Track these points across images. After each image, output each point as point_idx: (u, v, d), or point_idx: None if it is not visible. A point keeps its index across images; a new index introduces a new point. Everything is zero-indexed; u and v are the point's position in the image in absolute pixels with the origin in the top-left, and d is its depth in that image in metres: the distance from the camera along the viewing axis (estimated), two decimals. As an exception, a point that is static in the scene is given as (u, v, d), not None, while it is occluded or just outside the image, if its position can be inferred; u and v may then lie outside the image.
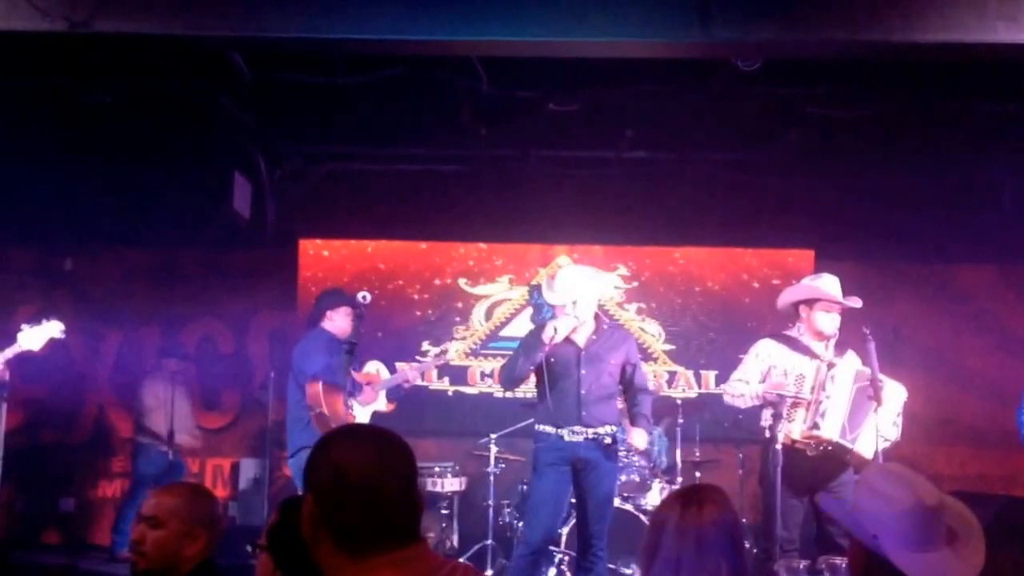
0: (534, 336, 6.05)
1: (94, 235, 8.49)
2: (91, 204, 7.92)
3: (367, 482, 2.04)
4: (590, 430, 5.92)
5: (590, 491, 5.98)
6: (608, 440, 5.96)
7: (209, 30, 5.34)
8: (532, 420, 6.87)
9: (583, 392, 5.93)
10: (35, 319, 6.57)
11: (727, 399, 6.15)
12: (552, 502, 5.96)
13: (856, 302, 5.94)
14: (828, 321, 5.95)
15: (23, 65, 6.38)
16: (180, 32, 5.34)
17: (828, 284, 6.01)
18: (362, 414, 6.82)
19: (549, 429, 5.96)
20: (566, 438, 5.91)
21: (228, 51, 6.20)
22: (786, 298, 6.18)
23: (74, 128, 7.23)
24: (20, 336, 6.44)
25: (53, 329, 6.52)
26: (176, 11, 5.29)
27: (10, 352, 6.38)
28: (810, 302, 6.01)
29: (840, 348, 6.01)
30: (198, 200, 7.55)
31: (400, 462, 2.11)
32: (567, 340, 5.95)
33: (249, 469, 8.96)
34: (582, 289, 5.96)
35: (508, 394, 7.90)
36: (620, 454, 6.39)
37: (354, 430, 2.34)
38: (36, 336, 6.46)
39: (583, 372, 5.96)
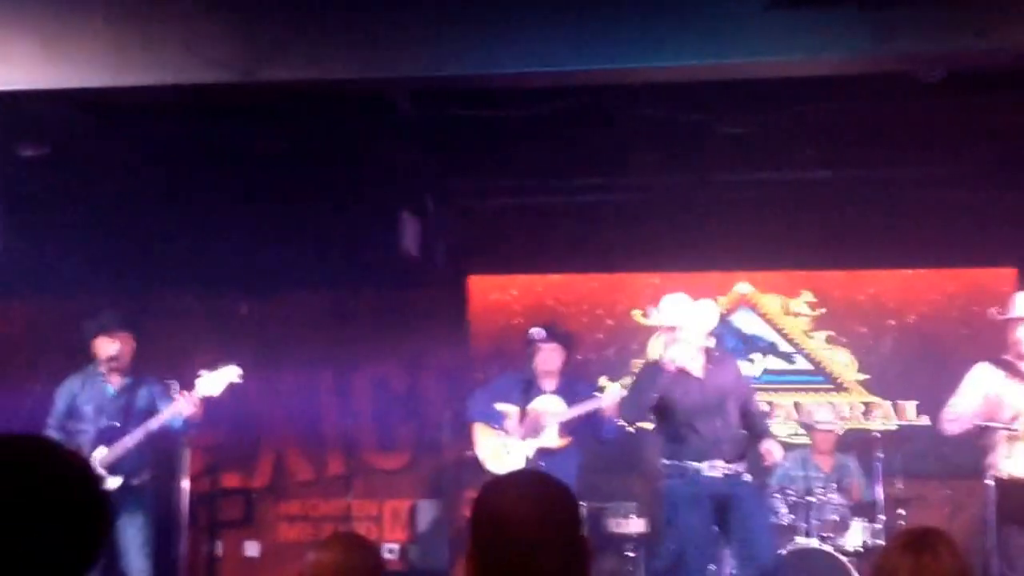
0: (650, 370, 5.91)
1: (268, 280, 8.65)
2: (264, 249, 8.08)
3: (525, 532, 2.00)
4: (725, 464, 5.78)
5: (736, 530, 5.84)
6: (746, 477, 5.84)
7: (378, 72, 5.38)
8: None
9: (715, 424, 5.78)
10: (213, 365, 6.70)
11: (943, 425, 5.86)
12: (701, 539, 5.79)
13: None
14: None
15: (197, 116, 6.57)
16: (349, 76, 5.40)
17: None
18: (522, 450, 6.70)
19: (683, 463, 5.77)
20: (704, 472, 5.73)
21: (395, 92, 6.23)
22: (1003, 313, 5.84)
23: (246, 176, 7.40)
24: (199, 382, 6.61)
25: (231, 374, 6.66)
26: (344, 55, 5.35)
27: (196, 395, 6.54)
28: (1015, 322, 5.64)
29: None
30: (367, 241, 7.64)
31: (560, 509, 2.07)
32: (684, 372, 5.78)
33: (427, 511, 8.91)
34: (691, 314, 5.83)
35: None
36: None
37: (513, 477, 2.31)
38: (214, 381, 6.61)
39: (705, 404, 5.81)
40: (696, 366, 5.96)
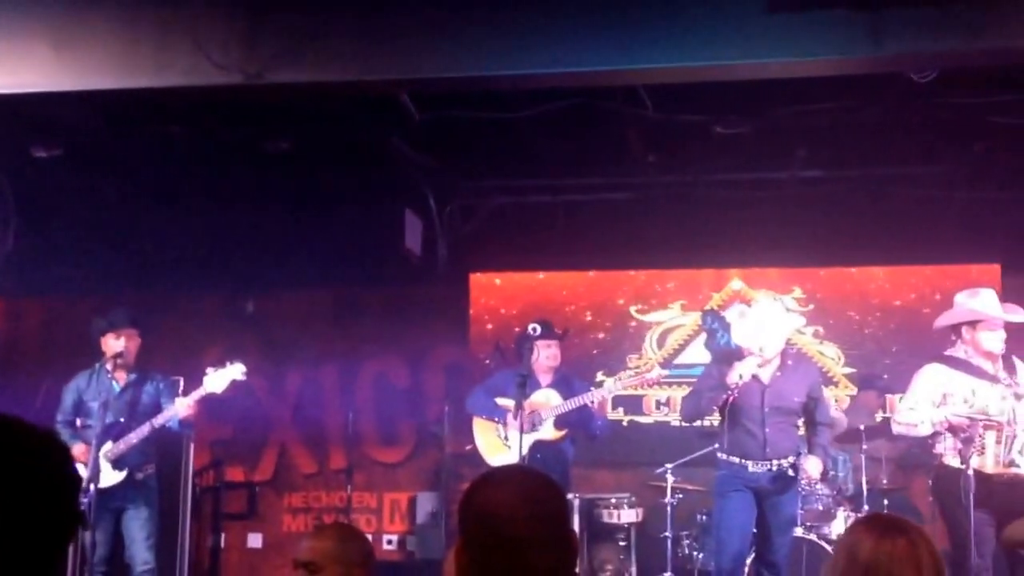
0: (719, 376, 5.99)
1: (274, 277, 8.75)
2: (271, 247, 8.21)
3: (513, 527, 2.03)
4: (772, 462, 5.95)
5: (771, 517, 6.01)
6: (791, 472, 5.96)
7: (380, 74, 5.47)
8: (709, 449, 6.83)
9: (767, 430, 5.93)
10: (219, 362, 6.83)
11: (897, 428, 5.95)
12: (739, 525, 5.95)
13: (1018, 316, 5.67)
14: (995, 339, 5.74)
15: (204, 117, 6.67)
16: (353, 78, 5.48)
17: (987, 302, 5.75)
18: (519, 444, 6.84)
19: (733, 459, 5.94)
20: (750, 469, 5.89)
21: (398, 93, 6.33)
22: (945, 321, 5.94)
23: (253, 176, 7.50)
24: (205, 379, 6.72)
25: (235, 371, 6.77)
26: (348, 58, 5.44)
27: (196, 395, 6.67)
28: (972, 323, 5.75)
29: (1007, 363, 5.75)
30: (372, 240, 7.74)
31: (548, 504, 2.10)
32: (752, 377, 5.91)
33: (426, 503, 9.05)
34: (770, 331, 5.91)
35: (684, 423, 7.81)
36: (802, 483, 6.29)
37: (501, 473, 2.33)
38: (220, 379, 6.72)
39: (766, 409, 5.93)
40: (766, 373, 6.06)
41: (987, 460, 5.55)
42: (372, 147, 7.20)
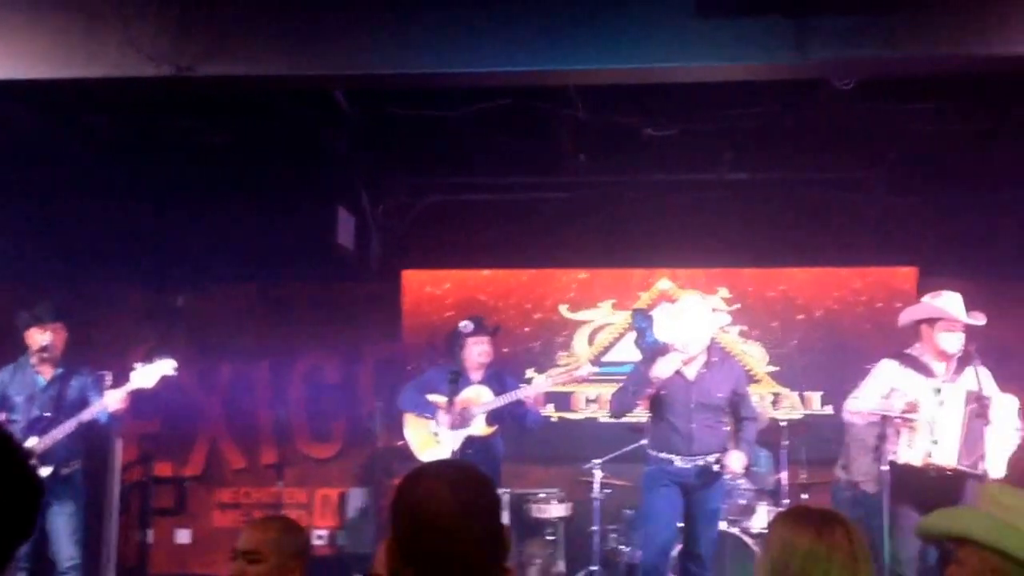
0: (643, 371, 6.12)
1: (205, 272, 8.72)
2: (202, 241, 8.16)
3: (445, 521, 2.05)
4: (699, 458, 6.06)
5: (697, 511, 6.16)
6: (716, 467, 6.08)
7: (313, 69, 5.50)
8: (636, 445, 6.95)
9: (693, 426, 6.05)
10: (148, 357, 6.79)
11: (846, 416, 6.10)
12: (665, 519, 6.07)
13: (980, 319, 5.83)
14: (951, 340, 5.85)
15: (134, 108, 6.63)
16: (285, 73, 5.50)
17: (950, 302, 5.90)
18: (451, 439, 6.90)
19: (661, 455, 6.06)
20: (677, 464, 6.01)
21: (332, 89, 6.34)
22: (907, 317, 6.09)
23: (183, 168, 7.46)
24: (133, 375, 6.68)
25: (165, 367, 6.73)
26: (280, 52, 5.45)
27: (125, 390, 6.62)
28: (931, 321, 5.91)
29: (960, 366, 5.92)
30: (304, 235, 7.73)
31: (479, 499, 2.12)
32: (678, 373, 6.05)
33: (357, 498, 9.06)
34: (694, 327, 6.03)
35: (613, 419, 7.92)
36: (726, 477, 6.42)
37: (433, 468, 2.31)
38: (149, 374, 6.68)
39: (692, 405, 6.07)
40: (692, 370, 6.19)
41: (912, 453, 5.71)
42: (306, 142, 7.21)
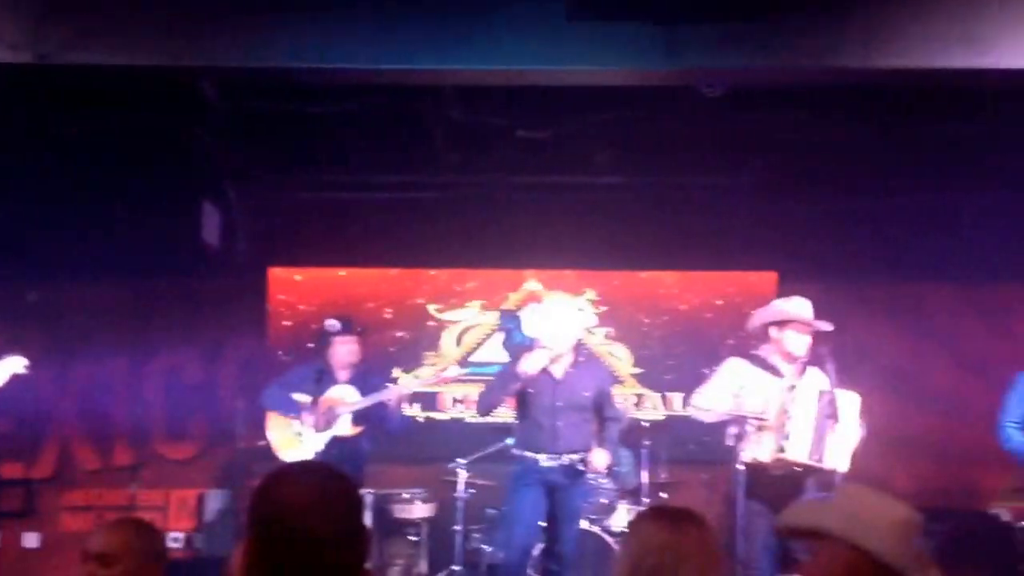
0: (510, 367, 6.18)
1: (61, 267, 8.41)
2: (58, 235, 7.88)
3: (305, 522, 2.02)
4: (564, 456, 6.10)
5: (560, 509, 6.23)
6: (581, 466, 6.12)
7: (180, 61, 5.38)
8: (502, 445, 6.99)
9: (559, 423, 6.11)
10: (-3, 353, 6.53)
11: (692, 411, 6.23)
12: (528, 519, 6.12)
13: (827, 325, 6.03)
14: (799, 343, 6.04)
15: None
16: (152, 63, 5.37)
17: (799, 306, 6.10)
18: (315, 440, 6.84)
19: (527, 454, 6.10)
20: (543, 463, 6.05)
21: (199, 81, 6.21)
22: (757, 319, 6.26)
23: (42, 159, 7.20)
24: (-20, 373, 6.41)
25: (15, 365, 6.48)
26: (147, 43, 5.32)
27: None
28: (781, 323, 6.09)
29: (804, 368, 6.11)
30: (167, 230, 7.54)
31: (340, 501, 2.10)
32: (544, 371, 6.13)
33: (215, 500, 8.85)
34: (561, 325, 6.10)
35: (479, 419, 7.94)
36: (589, 477, 6.51)
37: (295, 469, 2.28)
38: (-3, 372, 6.42)
39: (558, 403, 6.13)
40: (559, 368, 6.23)
41: (762, 450, 5.87)
42: (170, 135, 7.03)
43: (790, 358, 6.06)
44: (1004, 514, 7.93)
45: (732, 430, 5.96)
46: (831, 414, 5.79)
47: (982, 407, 6.93)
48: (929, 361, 8.90)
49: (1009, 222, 8.21)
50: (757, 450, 5.87)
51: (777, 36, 5.27)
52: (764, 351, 6.15)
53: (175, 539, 8.84)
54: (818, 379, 6.00)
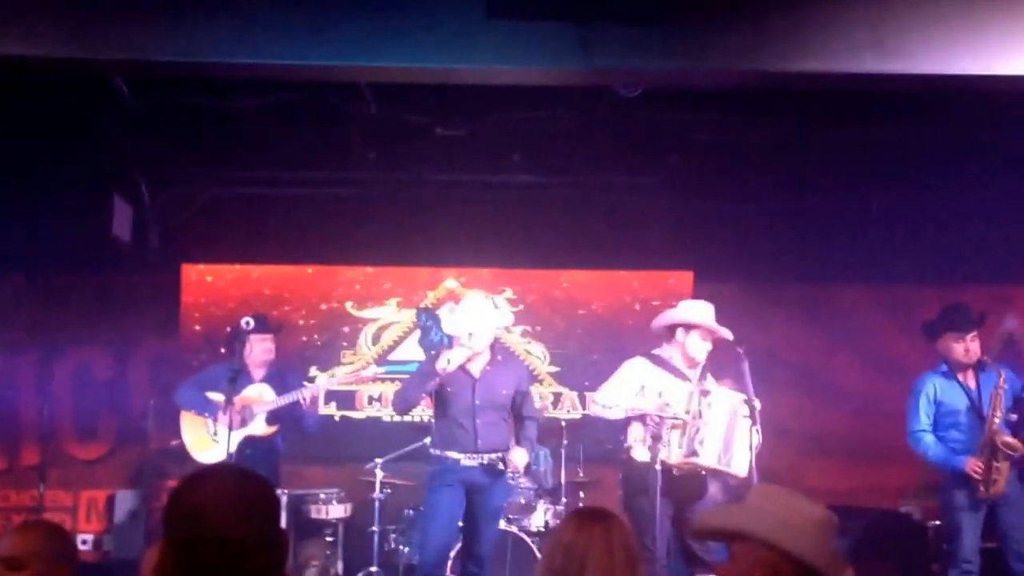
0: (428, 364, 6.16)
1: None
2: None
3: (222, 525, 2.01)
4: (484, 456, 6.12)
5: (479, 509, 6.19)
6: (500, 465, 6.15)
7: (90, 54, 5.27)
8: (419, 444, 6.97)
9: (478, 421, 6.11)
10: None
11: (594, 409, 6.28)
12: (446, 520, 6.10)
13: (728, 334, 6.12)
14: (702, 348, 6.13)
15: None
16: (65, 55, 5.26)
17: (705, 312, 6.18)
18: (229, 440, 6.76)
19: (446, 453, 6.08)
20: (463, 463, 6.04)
21: (112, 74, 6.09)
22: (663, 320, 6.31)
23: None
24: None
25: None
26: (60, 34, 5.21)
27: None
28: (688, 327, 6.15)
29: (709, 369, 6.21)
30: (77, 224, 7.40)
31: (259, 503, 2.09)
32: (462, 369, 6.12)
33: (126, 501, 8.68)
34: (479, 322, 6.10)
35: (397, 418, 7.93)
36: (508, 475, 6.51)
37: (211, 471, 2.24)
38: None
39: (477, 402, 6.13)
40: (477, 366, 6.21)
41: (671, 452, 5.93)
42: (82, 127, 6.90)
43: (691, 362, 6.14)
44: (916, 513, 8.10)
45: (647, 431, 5.99)
46: (747, 416, 5.88)
47: (892, 406, 7.06)
48: (840, 360, 9.06)
49: (918, 224, 8.41)
50: (666, 450, 5.92)
51: (692, 38, 5.32)
52: (665, 351, 6.22)
53: (84, 541, 8.69)
54: (718, 384, 6.14)
